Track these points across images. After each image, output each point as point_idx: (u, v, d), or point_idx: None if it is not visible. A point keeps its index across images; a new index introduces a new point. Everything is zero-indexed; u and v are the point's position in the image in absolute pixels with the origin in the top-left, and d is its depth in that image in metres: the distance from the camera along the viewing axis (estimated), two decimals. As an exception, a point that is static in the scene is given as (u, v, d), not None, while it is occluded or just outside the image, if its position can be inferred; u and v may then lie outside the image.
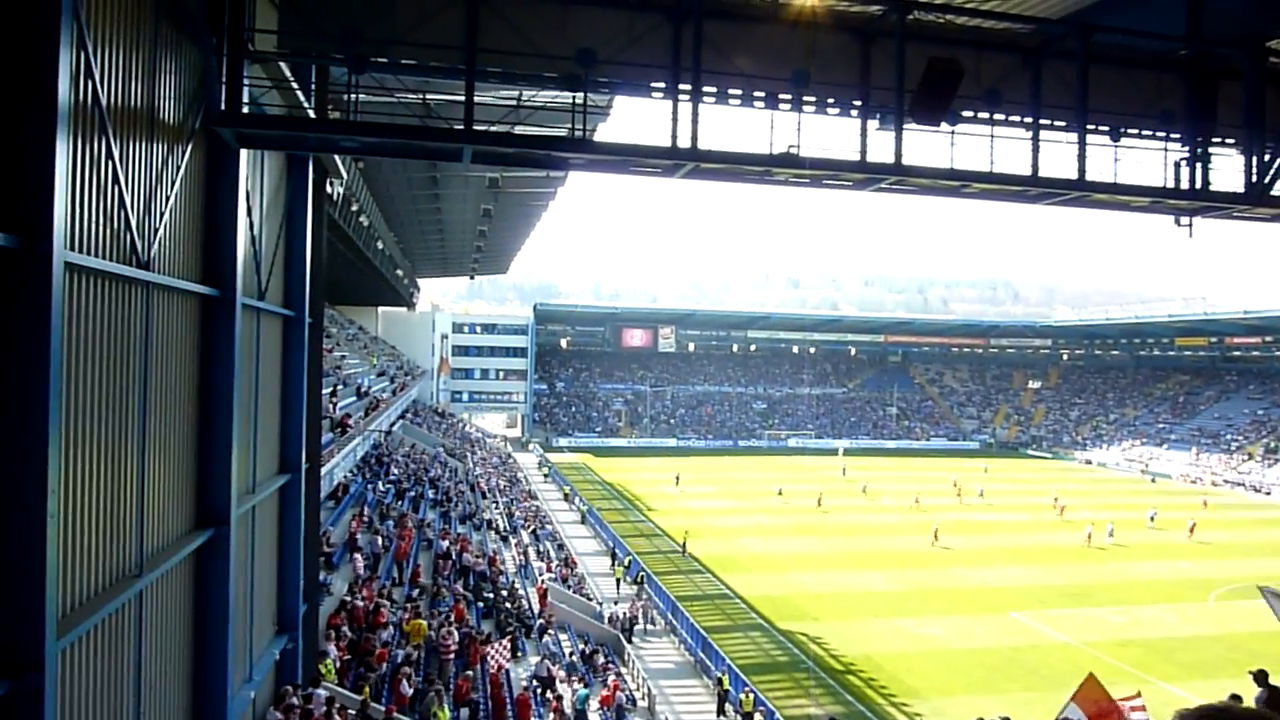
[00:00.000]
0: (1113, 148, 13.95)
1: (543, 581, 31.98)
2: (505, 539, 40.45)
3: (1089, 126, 13.55)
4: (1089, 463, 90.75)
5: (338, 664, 18.31)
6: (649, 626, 32.05)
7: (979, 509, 59.23)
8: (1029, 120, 13.51)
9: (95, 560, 8.27)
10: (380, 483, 37.12)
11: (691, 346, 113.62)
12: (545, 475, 70.53)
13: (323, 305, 17.09)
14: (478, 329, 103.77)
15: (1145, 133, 14.24)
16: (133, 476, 9.05)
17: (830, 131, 12.99)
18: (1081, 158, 13.47)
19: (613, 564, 39.82)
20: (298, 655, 15.61)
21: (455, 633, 22.16)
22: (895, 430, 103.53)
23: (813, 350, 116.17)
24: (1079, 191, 13.67)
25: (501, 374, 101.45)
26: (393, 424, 53.30)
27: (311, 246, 15.86)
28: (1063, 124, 13.67)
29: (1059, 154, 13.59)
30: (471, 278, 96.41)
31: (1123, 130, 13.99)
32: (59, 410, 7.20)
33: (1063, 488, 67.33)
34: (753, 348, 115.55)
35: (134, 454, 9.07)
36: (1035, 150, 13.41)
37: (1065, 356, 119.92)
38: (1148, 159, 14.31)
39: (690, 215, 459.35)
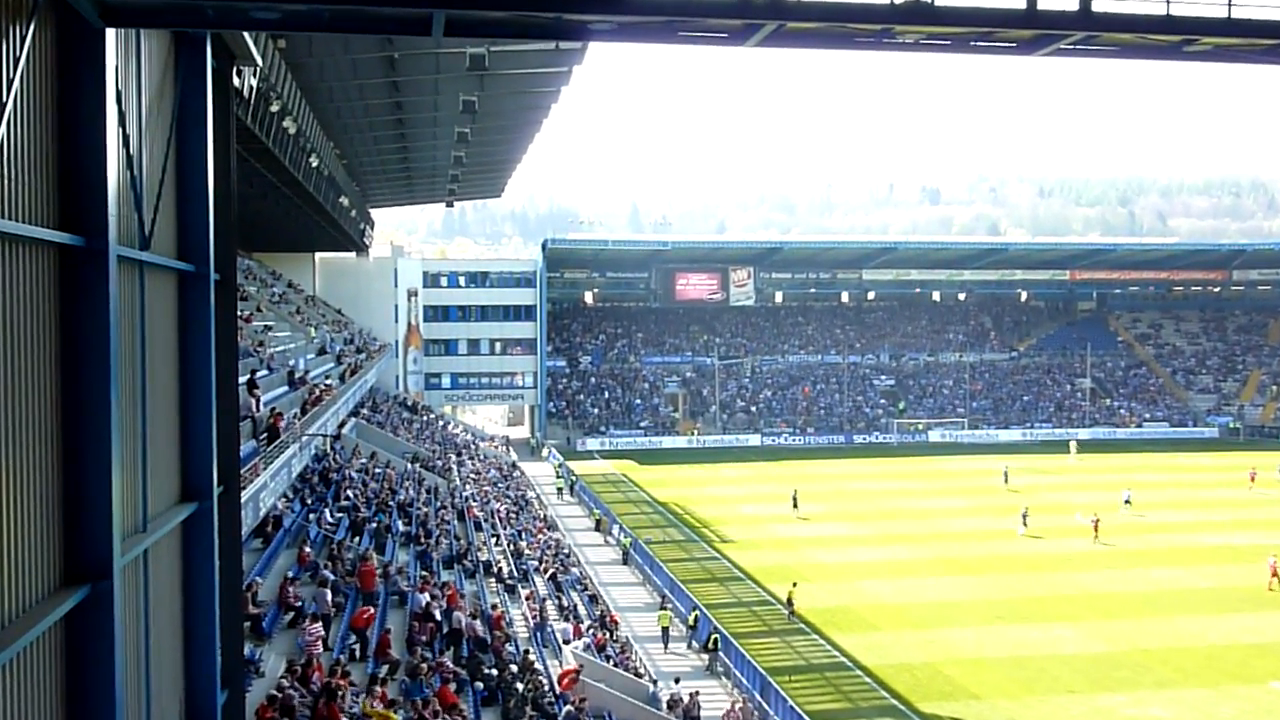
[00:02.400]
0: None
1: (570, 651, 32.24)
2: (512, 589, 40.83)
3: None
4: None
5: (275, 775, 18.71)
6: None
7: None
8: (1287, -64, 13.14)
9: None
10: (328, 511, 37.58)
11: (779, 297, 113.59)
12: (560, 490, 71.43)
13: (234, 253, 17.24)
14: (461, 280, 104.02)
15: None
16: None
17: (981, -34, 12.76)
18: (1371, -9, 13.08)
19: (662, 608, 40.78)
20: (217, 764, 15.95)
21: (444, 727, 22.48)
22: (1090, 414, 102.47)
23: (963, 297, 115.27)
24: (1368, 43, 13.28)
25: (498, 346, 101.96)
26: (342, 425, 53.94)
27: (215, 168, 15.97)
28: (1341, -61, 13.27)
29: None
30: (449, 205, 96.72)
31: None
32: None
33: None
34: (871, 296, 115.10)
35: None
36: (1298, -18, 13.04)
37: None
38: None
39: (771, 104, 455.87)
